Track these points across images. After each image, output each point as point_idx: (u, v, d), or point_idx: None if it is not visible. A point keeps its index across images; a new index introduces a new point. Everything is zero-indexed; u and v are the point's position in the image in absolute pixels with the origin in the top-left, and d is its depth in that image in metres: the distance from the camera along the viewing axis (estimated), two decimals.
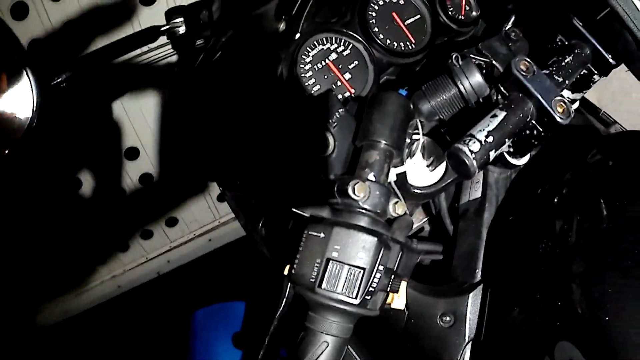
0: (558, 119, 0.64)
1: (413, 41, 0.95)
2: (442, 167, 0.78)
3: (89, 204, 1.88)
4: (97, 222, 1.96)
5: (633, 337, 0.54)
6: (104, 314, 2.16)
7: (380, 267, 0.62)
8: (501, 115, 0.64)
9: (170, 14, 0.93)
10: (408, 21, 0.97)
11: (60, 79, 0.77)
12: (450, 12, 1.00)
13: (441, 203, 0.89)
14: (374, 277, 0.62)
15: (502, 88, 0.69)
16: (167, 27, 0.92)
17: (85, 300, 2.16)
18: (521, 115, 0.65)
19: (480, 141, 0.62)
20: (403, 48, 0.94)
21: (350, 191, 0.63)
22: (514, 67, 0.66)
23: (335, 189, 0.66)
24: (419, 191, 0.75)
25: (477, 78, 0.70)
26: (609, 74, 0.78)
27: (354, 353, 0.91)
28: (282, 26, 0.92)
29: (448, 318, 0.77)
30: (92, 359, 2.04)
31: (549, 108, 0.64)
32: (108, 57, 0.86)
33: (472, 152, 0.61)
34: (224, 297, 1.51)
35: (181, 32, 0.92)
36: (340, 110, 0.72)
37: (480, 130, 0.63)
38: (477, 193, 0.84)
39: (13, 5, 1.50)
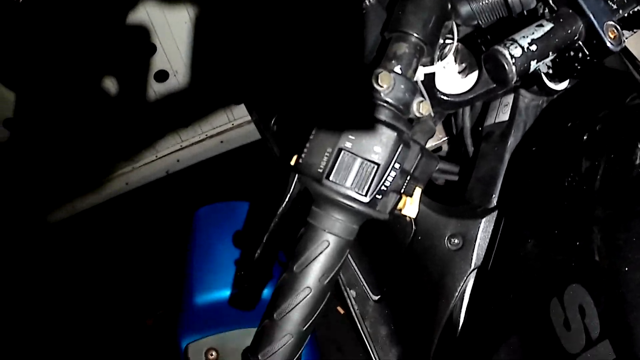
0: (608, 44, 0.58)
1: None
2: (473, 77, 0.72)
3: (103, 99, 1.84)
4: (110, 117, 1.94)
5: None
6: (112, 210, 2.18)
7: (397, 165, 0.57)
8: (548, 26, 0.59)
9: None
10: None
11: None
12: None
13: (465, 121, 0.84)
14: (388, 174, 0.57)
15: (550, 1, 0.63)
16: None
17: (93, 197, 2.16)
18: (569, 31, 0.60)
19: (522, 47, 0.56)
20: None
21: (373, 80, 0.58)
22: None
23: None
24: (446, 98, 0.69)
25: None
26: None
27: (353, 263, 0.90)
28: None
29: (457, 240, 0.75)
30: (100, 254, 2.08)
31: (600, 30, 0.58)
32: None
33: (512, 56, 0.56)
34: (232, 198, 1.49)
35: None
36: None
37: (524, 37, 0.57)
38: (505, 116, 0.79)
39: None
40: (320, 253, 0.57)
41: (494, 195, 0.74)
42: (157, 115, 2.02)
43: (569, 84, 0.72)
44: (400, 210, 0.63)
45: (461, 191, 0.81)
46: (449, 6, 0.63)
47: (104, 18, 1.62)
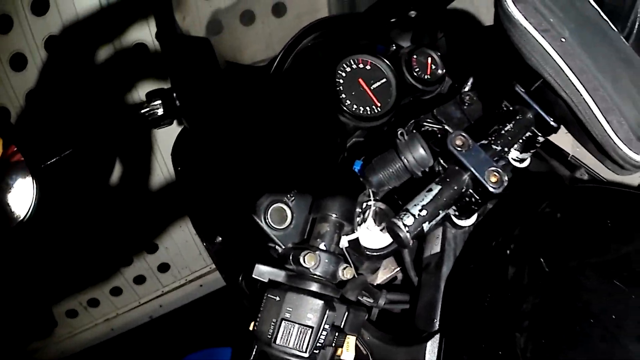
0: (490, 189, 0.71)
1: (379, 105, 1.03)
2: None
3: (84, 247, 1.94)
4: (92, 265, 2.02)
5: None
6: (98, 356, 2.21)
7: (327, 326, 0.72)
8: (436, 189, 0.72)
9: (151, 96, 1.01)
10: (374, 86, 1.04)
11: (52, 161, 0.85)
12: (416, 73, 1.07)
13: (405, 257, 0.95)
14: (321, 334, 0.72)
15: (441, 160, 0.77)
16: (148, 109, 1.00)
17: (79, 342, 2.23)
18: (455, 187, 0.73)
19: (414, 215, 0.69)
20: (369, 112, 1.02)
21: (301, 260, 0.71)
22: (449, 143, 0.73)
23: (291, 257, 0.75)
24: (372, 253, 0.83)
25: (420, 152, 0.78)
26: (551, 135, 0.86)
27: None
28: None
29: None
30: None
31: (481, 179, 0.71)
32: (95, 141, 0.94)
33: (405, 225, 0.68)
34: (215, 341, 1.56)
35: (159, 113, 1.00)
36: None
37: (415, 205, 0.70)
38: (437, 248, 0.90)
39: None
40: None
41: (435, 320, 0.84)
42: (135, 263, 2.11)
43: (478, 216, 0.85)
44: (339, 356, 0.74)
45: (412, 318, 0.91)
46: (361, 179, 0.78)
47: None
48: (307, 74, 1.01)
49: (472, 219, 0.84)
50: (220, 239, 1.04)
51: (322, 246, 0.76)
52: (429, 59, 1.10)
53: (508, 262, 0.75)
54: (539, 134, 0.84)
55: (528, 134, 0.84)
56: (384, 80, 1.06)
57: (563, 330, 0.65)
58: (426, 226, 0.70)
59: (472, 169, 0.72)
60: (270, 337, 0.71)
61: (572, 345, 0.64)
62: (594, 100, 0.69)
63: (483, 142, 0.76)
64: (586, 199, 0.83)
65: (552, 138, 1.14)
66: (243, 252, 1.00)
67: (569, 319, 0.66)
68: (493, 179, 0.71)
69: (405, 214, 0.69)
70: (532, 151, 0.90)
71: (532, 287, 0.71)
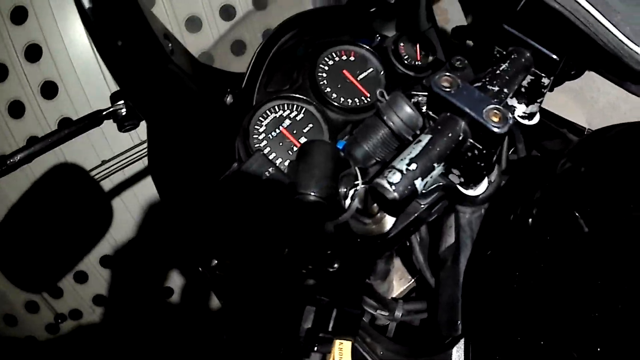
0: (493, 129, 0.57)
1: (367, 94, 0.93)
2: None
3: None
4: None
5: None
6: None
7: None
8: (425, 139, 0.58)
9: (114, 97, 0.93)
10: (361, 76, 0.95)
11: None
12: (406, 61, 0.98)
13: (417, 257, 0.83)
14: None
15: (430, 113, 0.63)
16: (110, 109, 0.92)
17: None
18: (450, 135, 0.59)
19: (400, 171, 0.55)
20: (358, 103, 0.92)
21: None
22: (434, 85, 0.60)
23: None
24: (369, 242, 0.69)
25: (405, 110, 0.66)
26: (557, 72, 0.73)
27: None
28: (228, 99, 0.91)
29: None
30: None
31: (479, 119, 0.57)
32: (53, 145, 0.86)
33: (391, 184, 0.54)
34: None
35: (123, 113, 0.91)
36: (270, 169, 0.69)
37: (402, 160, 0.56)
38: (451, 239, 0.78)
39: None
40: None
41: (458, 322, 0.71)
42: None
43: (489, 184, 0.72)
44: None
45: (432, 325, 0.78)
46: (342, 154, 0.65)
47: None
48: None
49: (482, 186, 0.70)
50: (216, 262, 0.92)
51: None
52: (417, 45, 1.01)
53: (534, 233, 0.62)
54: (542, 74, 0.72)
55: (529, 78, 0.72)
56: (371, 69, 0.97)
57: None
58: (419, 184, 0.55)
59: (467, 110, 0.58)
60: None
61: None
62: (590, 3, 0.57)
63: (477, 84, 0.64)
64: (614, 138, 0.69)
65: (564, 113, 1.04)
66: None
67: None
68: (494, 118, 0.57)
69: (390, 171, 0.55)
70: (539, 101, 0.77)
71: (572, 253, 0.57)
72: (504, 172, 0.81)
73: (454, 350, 0.68)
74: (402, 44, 1.00)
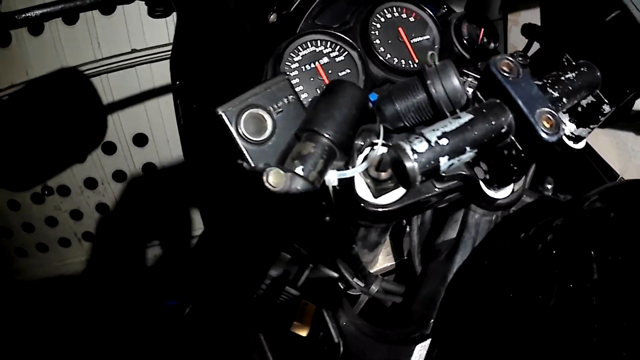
0: (541, 133, 0.51)
1: (416, 60, 0.87)
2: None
3: None
4: None
5: None
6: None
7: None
8: (466, 117, 0.51)
9: None
10: (415, 40, 0.88)
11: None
12: (465, 41, 0.91)
13: (413, 240, 0.77)
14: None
15: (479, 94, 0.56)
16: None
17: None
18: (493, 122, 0.52)
19: (429, 141, 0.49)
20: (404, 65, 0.85)
21: (264, 179, 0.52)
22: (492, 65, 0.53)
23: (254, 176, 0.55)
24: (368, 208, 0.62)
25: (452, 81, 0.59)
26: (620, 105, 0.67)
27: None
28: (272, 17, 0.84)
29: None
30: None
31: (530, 117, 0.51)
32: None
33: (415, 151, 0.48)
34: None
35: None
36: (291, 97, 0.61)
37: (434, 130, 0.50)
38: (453, 233, 0.73)
39: None
40: None
41: (432, 321, 0.66)
42: None
43: (511, 193, 0.66)
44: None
45: (406, 313, 0.73)
46: (370, 106, 0.59)
47: None
48: None
49: (505, 192, 0.64)
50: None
51: (298, 170, 0.54)
52: (482, 29, 0.94)
53: (542, 259, 0.57)
54: (605, 100, 0.66)
55: (590, 99, 0.65)
56: (427, 37, 0.90)
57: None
58: (444, 163, 0.49)
59: (520, 103, 0.52)
60: None
61: None
62: None
63: (537, 82, 0.57)
64: None
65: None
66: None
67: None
68: (546, 123, 0.51)
69: (417, 138, 0.49)
70: (592, 127, 0.71)
71: (579, 291, 0.52)
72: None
73: (417, 348, 0.64)
74: (466, 23, 0.93)
